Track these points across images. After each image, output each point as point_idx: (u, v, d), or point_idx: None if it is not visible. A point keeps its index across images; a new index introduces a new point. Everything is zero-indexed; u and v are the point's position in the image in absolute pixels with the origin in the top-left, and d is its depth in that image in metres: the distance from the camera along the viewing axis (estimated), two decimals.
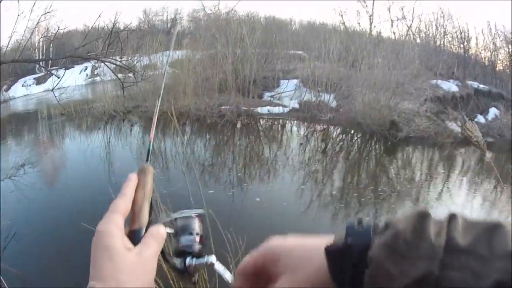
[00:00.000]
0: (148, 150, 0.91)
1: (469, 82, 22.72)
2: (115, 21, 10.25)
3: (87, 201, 8.38)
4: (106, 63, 9.24)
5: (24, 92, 33.79)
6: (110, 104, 18.34)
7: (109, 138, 15.56)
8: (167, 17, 42.53)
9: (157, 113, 0.93)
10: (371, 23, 25.57)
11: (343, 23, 25.30)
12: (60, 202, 8.99)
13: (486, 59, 29.68)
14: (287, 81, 19.70)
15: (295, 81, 19.50)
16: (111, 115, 18.01)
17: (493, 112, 21.52)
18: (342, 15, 25.97)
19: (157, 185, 7.97)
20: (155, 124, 0.91)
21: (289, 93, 19.15)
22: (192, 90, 17.75)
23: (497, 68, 29.05)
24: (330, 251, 0.55)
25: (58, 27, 11.51)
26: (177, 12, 41.51)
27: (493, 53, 29.38)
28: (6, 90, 33.32)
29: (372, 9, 25.99)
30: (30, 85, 34.73)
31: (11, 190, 9.57)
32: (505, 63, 29.76)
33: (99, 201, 6.93)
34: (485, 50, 29.64)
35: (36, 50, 28.87)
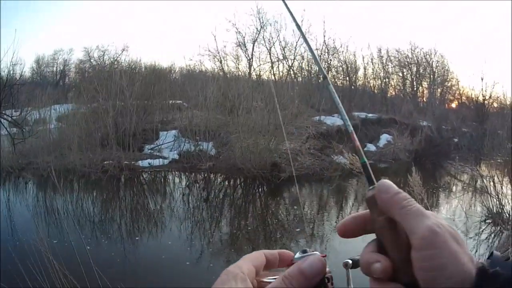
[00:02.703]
0: (365, 167, 0.64)
1: (356, 113, 23.51)
2: (7, 74, 10.10)
3: None
4: None
5: None
6: (6, 160, 17.95)
7: (8, 195, 15.11)
8: (57, 69, 41.89)
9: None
10: (250, 66, 26.17)
11: (222, 69, 25.75)
12: None
13: (376, 87, 30.95)
14: (166, 132, 19.82)
15: (173, 131, 19.63)
16: (8, 171, 17.65)
17: (385, 138, 22.42)
18: (221, 61, 26.41)
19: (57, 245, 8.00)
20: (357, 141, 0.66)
21: (168, 145, 19.24)
22: (77, 145, 17.54)
23: (388, 95, 30.37)
24: (483, 270, 0.55)
25: None
26: (66, 63, 41.04)
27: (384, 80, 30.66)
28: None
29: (252, 52, 26.59)
30: None
31: None
32: (398, 88, 31.25)
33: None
34: (374, 79, 30.93)
35: None
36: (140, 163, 17.58)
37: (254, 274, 0.63)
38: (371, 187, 0.62)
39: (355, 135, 0.66)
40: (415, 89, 31.54)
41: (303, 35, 0.78)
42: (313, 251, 0.63)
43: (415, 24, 47.38)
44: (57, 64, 41.64)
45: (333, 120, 21.20)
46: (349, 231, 0.66)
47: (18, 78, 19.39)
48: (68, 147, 17.76)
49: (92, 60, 32.92)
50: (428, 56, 31.19)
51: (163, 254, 8.69)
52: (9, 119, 8.68)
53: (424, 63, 31.34)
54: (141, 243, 9.69)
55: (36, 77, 39.76)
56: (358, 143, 0.65)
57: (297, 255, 0.65)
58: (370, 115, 24.34)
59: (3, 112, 9.51)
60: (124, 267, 7.96)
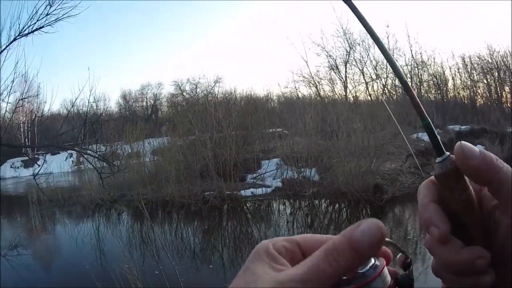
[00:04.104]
0: (429, 130, 0.54)
1: (450, 127, 22.90)
2: (87, 111, 10.31)
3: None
4: (82, 153, 9.29)
5: (12, 174, 34.30)
6: (96, 193, 18.51)
7: (98, 226, 15.71)
8: (146, 103, 42.90)
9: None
10: (345, 88, 26.03)
11: (318, 94, 25.73)
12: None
13: (466, 97, 30.02)
14: (268, 161, 19.88)
15: (275, 160, 19.63)
16: (98, 203, 18.17)
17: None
18: (316, 86, 26.49)
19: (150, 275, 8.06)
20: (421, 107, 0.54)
21: (271, 173, 19.25)
22: (175, 177, 17.91)
23: (477, 104, 29.39)
24: None
25: (42, 114, 11.60)
26: (156, 97, 41.92)
27: (472, 89, 29.72)
28: None
29: (345, 74, 26.48)
30: (18, 167, 35.00)
31: (7, 269, 10.10)
32: (485, 95, 30.18)
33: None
34: (463, 89, 30.00)
35: (22, 132, 29.19)
36: (243, 192, 17.67)
37: (299, 252, 0.53)
38: (441, 159, 0.51)
39: (410, 86, 0.55)
40: (499, 95, 30.37)
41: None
42: None
43: (488, 25, 45.64)
44: (146, 98, 42.84)
45: None
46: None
47: (102, 114, 20.00)
48: (166, 179, 18.15)
49: (184, 93, 33.72)
50: (505, 59, 29.96)
51: None
52: (96, 154, 8.71)
53: (503, 67, 30.10)
54: None
55: (125, 112, 41.07)
56: (416, 98, 0.53)
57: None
58: (463, 127, 23.64)
59: (87, 147, 9.58)
60: None
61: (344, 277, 0.48)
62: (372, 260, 0.50)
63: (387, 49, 0.57)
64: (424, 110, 0.53)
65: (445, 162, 0.51)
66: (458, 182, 0.51)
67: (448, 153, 0.51)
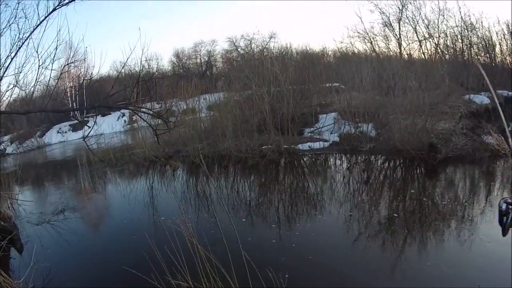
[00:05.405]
0: None
1: (499, 91, 22.68)
2: (140, 69, 10.51)
3: (131, 247, 8.77)
4: (136, 111, 9.40)
5: (59, 139, 34.61)
6: (150, 150, 18.68)
7: (152, 183, 15.72)
8: (200, 60, 43.14)
9: None
10: (400, 46, 25.96)
11: (373, 50, 25.76)
12: (102, 249, 9.21)
13: None
14: (325, 115, 19.90)
15: (333, 114, 19.68)
16: (152, 160, 18.38)
17: None
18: (371, 42, 26.54)
19: (205, 229, 8.33)
20: None
21: (328, 127, 19.29)
22: (232, 132, 18.08)
23: None
24: None
25: (90, 77, 11.71)
26: (211, 54, 42.13)
27: None
28: (41, 136, 34.23)
29: (399, 31, 26.40)
30: (66, 132, 35.37)
31: (51, 235, 10.13)
32: None
33: (142, 247, 7.05)
34: (510, 55, 29.52)
35: (69, 97, 29.66)
36: (300, 146, 17.75)
37: None
38: None
39: None
40: None
41: None
42: None
43: None
44: (200, 55, 43.20)
45: (481, 99, 20.57)
46: None
47: (155, 73, 20.19)
48: (222, 134, 18.33)
49: (239, 49, 34.00)
50: None
51: (319, 238, 8.67)
52: (150, 112, 8.91)
53: None
54: (298, 227, 9.65)
55: (178, 69, 41.58)
56: None
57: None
58: (511, 93, 23.41)
59: (141, 105, 9.75)
60: (276, 252, 7.96)
61: None
62: None
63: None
64: None
65: None
66: None
67: None
